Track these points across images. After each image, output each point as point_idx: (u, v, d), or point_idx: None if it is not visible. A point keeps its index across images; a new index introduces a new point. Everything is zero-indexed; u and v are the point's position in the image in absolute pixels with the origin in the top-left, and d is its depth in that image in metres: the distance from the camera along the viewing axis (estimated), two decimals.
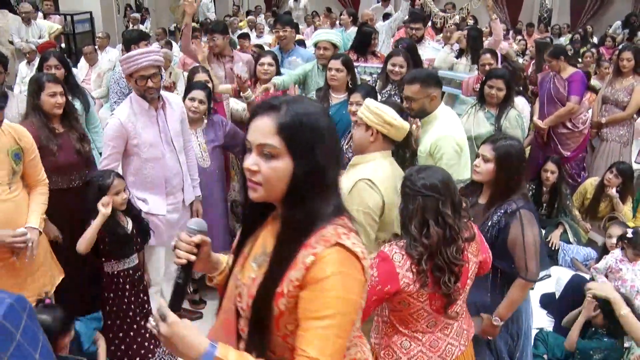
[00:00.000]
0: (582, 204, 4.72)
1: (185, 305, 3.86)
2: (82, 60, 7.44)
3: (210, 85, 3.90)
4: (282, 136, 1.29)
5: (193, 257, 1.42)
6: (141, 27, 11.25)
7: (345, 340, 1.29)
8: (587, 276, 3.71)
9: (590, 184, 4.71)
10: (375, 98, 3.39)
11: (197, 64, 4.43)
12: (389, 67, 4.21)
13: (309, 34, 10.66)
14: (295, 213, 1.32)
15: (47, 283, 2.85)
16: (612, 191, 4.42)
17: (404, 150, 2.98)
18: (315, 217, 1.31)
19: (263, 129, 1.31)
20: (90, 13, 10.60)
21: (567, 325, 3.17)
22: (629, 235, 3.42)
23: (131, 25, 10.86)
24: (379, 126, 2.43)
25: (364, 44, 5.19)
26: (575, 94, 4.86)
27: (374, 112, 2.44)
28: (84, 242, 2.80)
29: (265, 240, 1.43)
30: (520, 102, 4.44)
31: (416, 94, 3.02)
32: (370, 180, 2.37)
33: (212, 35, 4.66)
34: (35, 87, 3.12)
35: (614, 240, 3.63)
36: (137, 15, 11.93)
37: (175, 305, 1.39)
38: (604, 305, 2.81)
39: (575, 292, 3.38)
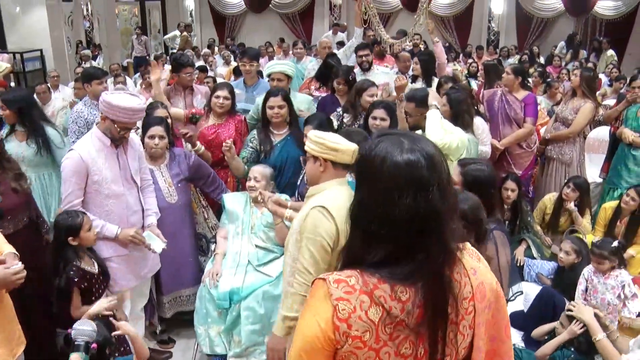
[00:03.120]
0: (543, 219, 4.83)
1: (154, 345, 3.76)
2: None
3: (169, 121, 3.85)
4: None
5: None
6: (93, 63, 11.11)
7: None
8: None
9: (549, 199, 4.83)
10: (330, 126, 3.43)
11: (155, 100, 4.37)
12: (370, 120, 3.93)
13: (263, 65, 10.74)
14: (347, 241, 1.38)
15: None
16: (571, 205, 4.55)
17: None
18: (352, 254, 1.32)
19: None
20: (41, 51, 10.43)
21: (537, 337, 3.20)
22: (594, 248, 3.50)
23: (83, 62, 10.71)
24: (324, 154, 2.38)
25: (326, 75, 5.27)
26: (532, 115, 5.00)
27: (316, 141, 2.39)
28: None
29: None
30: (477, 121, 4.51)
31: (412, 111, 3.51)
32: (323, 207, 2.29)
33: (186, 69, 4.62)
34: None
35: (562, 255, 3.70)
36: (89, 51, 11.79)
37: None
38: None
39: (544, 304, 3.44)
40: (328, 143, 2.37)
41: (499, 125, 5.09)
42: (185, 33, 13.48)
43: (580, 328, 2.91)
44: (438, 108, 3.50)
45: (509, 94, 5.05)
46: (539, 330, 3.26)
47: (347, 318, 1.21)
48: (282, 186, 3.86)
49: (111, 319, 2.56)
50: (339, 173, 2.44)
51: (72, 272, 2.79)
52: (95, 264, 2.95)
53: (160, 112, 3.83)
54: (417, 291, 1.23)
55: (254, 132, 4.08)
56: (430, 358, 1.26)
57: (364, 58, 5.65)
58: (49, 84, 7.61)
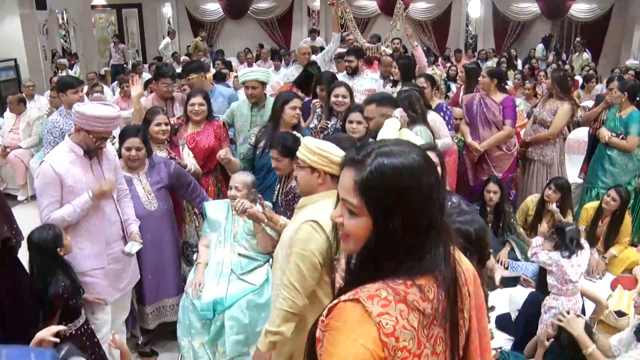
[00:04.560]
0: (525, 220, 4.85)
1: (136, 358, 3.68)
2: (8, 110, 7.14)
3: (168, 127, 3.87)
4: (361, 195, 1.21)
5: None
6: (70, 72, 10.95)
7: None
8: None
9: (531, 200, 4.86)
10: (296, 146, 3.35)
11: (155, 105, 4.33)
12: (332, 99, 4.26)
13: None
14: (363, 267, 1.26)
15: None
16: (553, 206, 4.57)
17: None
18: (376, 272, 1.23)
19: (345, 184, 1.25)
20: (15, 60, 10.24)
21: (528, 355, 3.19)
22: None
23: (59, 71, 10.55)
24: (326, 167, 2.32)
25: (307, 82, 5.31)
26: (511, 117, 5.02)
27: (318, 153, 2.31)
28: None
29: None
30: (432, 116, 4.40)
31: (372, 112, 3.29)
32: (316, 222, 2.23)
33: (165, 80, 4.64)
34: None
35: (534, 251, 3.69)
36: (65, 60, 11.62)
37: None
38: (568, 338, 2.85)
39: (532, 309, 3.44)
40: (331, 157, 2.30)
41: (479, 129, 5.10)
42: (198, 38, 13.46)
43: (555, 330, 2.91)
44: (398, 118, 3.37)
45: (487, 97, 5.07)
46: (527, 348, 3.23)
47: (393, 331, 1.16)
48: (267, 186, 3.88)
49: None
50: (334, 185, 2.35)
51: (61, 289, 2.70)
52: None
53: (161, 118, 3.82)
54: (438, 285, 1.23)
55: (255, 129, 4.13)
56: (452, 349, 1.27)
57: (348, 63, 5.69)
58: (24, 94, 7.49)
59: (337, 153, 2.32)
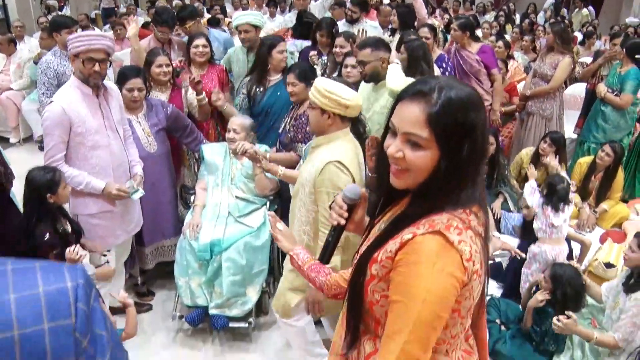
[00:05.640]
0: (519, 173, 4.88)
1: (133, 297, 3.73)
2: None
3: (170, 68, 3.80)
4: (432, 128, 1.22)
5: (343, 221, 1.58)
6: (60, 14, 10.67)
7: (420, 344, 1.22)
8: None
9: (526, 154, 4.87)
10: (313, 75, 3.38)
11: (155, 47, 4.24)
12: (335, 49, 4.29)
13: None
14: (427, 199, 1.28)
15: None
16: (550, 158, 4.57)
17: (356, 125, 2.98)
18: (441, 204, 1.27)
19: (411, 118, 1.24)
20: (3, 0, 9.96)
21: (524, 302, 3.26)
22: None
23: (49, 13, 10.27)
24: (335, 109, 2.41)
25: (305, 30, 5.29)
26: (494, 65, 5.05)
27: (328, 96, 2.39)
28: None
29: (392, 215, 1.42)
30: (438, 71, 4.42)
31: (367, 57, 3.25)
32: (340, 162, 2.36)
33: (162, 28, 4.53)
34: None
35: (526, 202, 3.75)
36: (54, 2, 11.29)
37: (323, 258, 1.66)
38: (566, 283, 2.92)
39: (521, 260, 3.51)
40: (340, 100, 2.39)
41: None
42: None
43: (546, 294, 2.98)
44: (398, 63, 3.41)
45: (462, 50, 5.02)
46: (524, 297, 3.30)
47: (471, 256, 1.23)
48: (264, 131, 3.86)
49: (112, 293, 2.55)
50: (344, 125, 2.49)
51: (46, 239, 2.65)
52: (68, 223, 2.83)
53: (162, 60, 3.75)
54: (484, 211, 1.33)
55: (246, 79, 4.08)
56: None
57: (351, 13, 5.65)
58: (13, 35, 7.31)
59: (345, 96, 2.39)
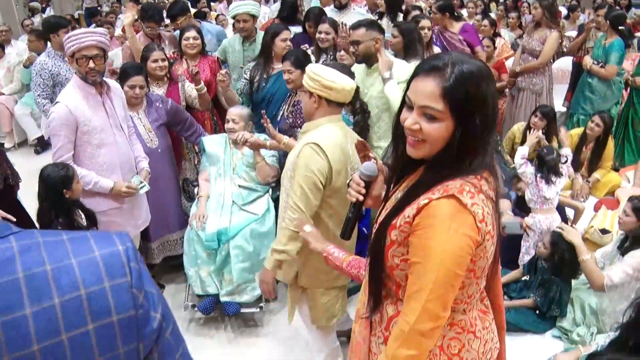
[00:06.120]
0: (512, 148, 4.97)
1: None
2: None
3: (166, 63, 3.83)
4: (447, 101, 1.31)
5: (361, 197, 1.68)
6: (43, 16, 10.62)
7: (440, 302, 1.32)
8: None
9: (517, 129, 4.96)
10: (307, 61, 3.42)
11: (150, 42, 4.25)
12: (317, 35, 4.27)
13: (222, 10, 10.49)
14: (442, 167, 1.37)
15: None
16: (539, 133, 4.68)
17: (355, 112, 3.05)
18: (454, 171, 1.36)
19: (426, 92, 1.32)
20: None
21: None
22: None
23: (32, 15, 10.23)
24: (319, 91, 2.38)
25: (290, 14, 5.23)
26: (477, 43, 5.16)
27: (312, 77, 2.39)
28: None
29: (407, 184, 1.50)
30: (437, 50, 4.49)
31: (361, 37, 3.30)
32: (316, 144, 2.32)
33: (150, 24, 4.56)
34: None
35: (520, 162, 3.82)
36: (37, 4, 11.23)
37: (345, 234, 1.78)
38: (564, 249, 3.02)
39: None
40: (324, 81, 2.36)
41: None
42: None
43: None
44: (391, 78, 3.32)
45: (445, 31, 5.09)
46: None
47: (483, 218, 1.33)
48: (271, 115, 3.86)
49: None
50: (333, 110, 2.45)
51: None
52: (83, 216, 2.88)
53: (157, 55, 3.78)
54: (495, 177, 1.43)
55: (250, 64, 4.12)
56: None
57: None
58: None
59: (330, 77, 2.37)
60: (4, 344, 0.73)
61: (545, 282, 3.09)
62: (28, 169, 4.41)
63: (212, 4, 10.79)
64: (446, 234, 1.29)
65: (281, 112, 3.63)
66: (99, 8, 12.69)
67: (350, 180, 1.71)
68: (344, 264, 1.84)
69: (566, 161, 3.89)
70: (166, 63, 3.83)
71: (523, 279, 3.33)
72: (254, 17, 4.49)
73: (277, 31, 3.98)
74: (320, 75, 2.38)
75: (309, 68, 2.46)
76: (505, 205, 4.03)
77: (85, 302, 0.78)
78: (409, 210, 1.36)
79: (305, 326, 2.80)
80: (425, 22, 4.61)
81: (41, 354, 0.74)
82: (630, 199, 3.05)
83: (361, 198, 1.68)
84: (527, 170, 3.68)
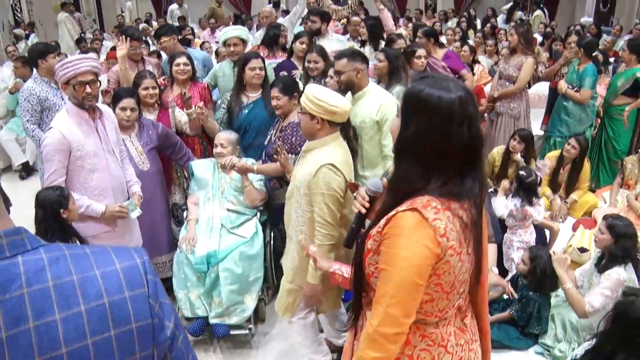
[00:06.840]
0: (492, 171, 5.11)
1: None
2: None
3: (156, 90, 3.90)
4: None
5: (363, 210, 1.84)
6: (27, 42, 10.67)
7: (400, 308, 1.43)
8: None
9: (497, 152, 5.10)
10: (295, 88, 3.54)
11: (142, 69, 4.33)
12: (306, 64, 4.35)
13: (206, 37, 10.64)
14: (397, 173, 1.51)
15: None
16: (517, 156, 4.83)
17: (347, 129, 3.20)
18: (412, 184, 1.47)
19: None
20: None
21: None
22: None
23: (16, 42, 10.26)
24: (323, 115, 2.57)
25: (273, 40, 5.31)
26: (461, 67, 5.34)
27: (316, 102, 2.55)
28: None
29: None
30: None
31: (343, 67, 3.43)
32: (332, 165, 2.54)
33: (131, 43, 4.57)
34: None
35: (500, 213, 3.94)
36: (20, 30, 11.28)
37: (348, 243, 1.94)
38: (545, 261, 3.14)
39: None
40: (327, 106, 2.54)
41: None
42: (215, 4, 13.04)
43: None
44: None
45: (428, 57, 5.22)
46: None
47: (445, 233, 1.42)
48: (244, 147, 3.96)
49: None
50: (333, 130, 2.66)
51: None
52: (77, 241, 2.89)
53: (148, 82, 3.85)
54: (474, 205, 1.50)
55: (227, 94, 4.20)
56: (476, 254, 1.54)
57: (311, 24, 5.66)
58: None
59: (333, 102, 2.55)
60: (37, 347, 0.80)
61: (523, 298, 3.18)
62: (13, 195, 4.43)
63: (195, 31, 10.94)
64: (408, 243, 1.41)
65: (268, 137, 3.71)
66: (82, 35, 12.77)
67: (357, 193, 1.88)
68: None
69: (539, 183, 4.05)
70: (157, 91, 3.90)
71: (504, 297, 3.42)
72: (244, 42, 4.59)
73: (247, 59, 4.03)
74: (323, 100, 2.55)
75: (310, 92, 2.60)
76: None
77: (108, 310, 0.86)
78: (381, 222, 1.49)
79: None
80: (421, 52, 4.78)
81: (68, 357, 0.82)
82: (605, 217, 3.16)
83: (363, 210, 1.83)
84: (512, 208, 3.79)
